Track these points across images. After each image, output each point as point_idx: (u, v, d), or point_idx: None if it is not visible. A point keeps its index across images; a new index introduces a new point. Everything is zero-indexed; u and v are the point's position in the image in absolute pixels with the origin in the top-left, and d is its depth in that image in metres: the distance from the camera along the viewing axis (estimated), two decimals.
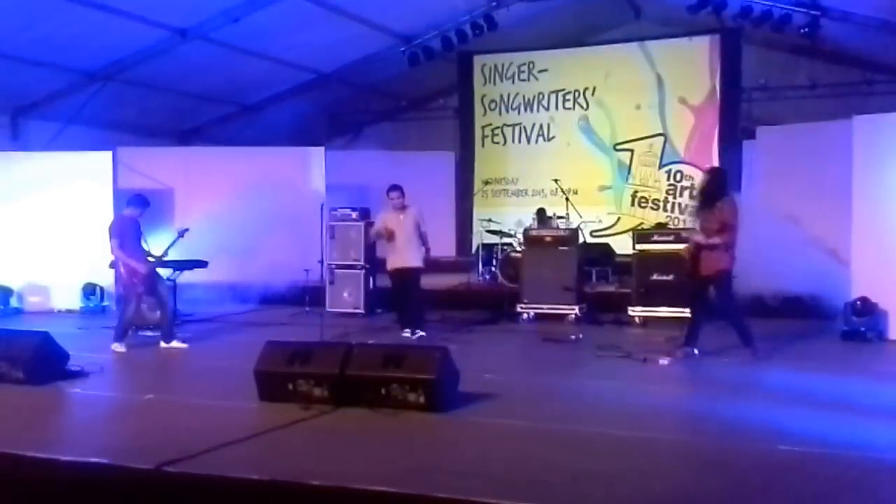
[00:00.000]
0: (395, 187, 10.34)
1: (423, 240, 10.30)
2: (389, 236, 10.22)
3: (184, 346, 9.68)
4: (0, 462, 5.11)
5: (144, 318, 10.28)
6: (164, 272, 10.29)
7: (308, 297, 12.59)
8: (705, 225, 8.41)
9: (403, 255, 10.27)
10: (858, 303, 9.92)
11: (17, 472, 5.00)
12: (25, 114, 15.20)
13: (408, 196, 10.37)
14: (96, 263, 12.69)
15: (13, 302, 13.06)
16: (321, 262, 11.86)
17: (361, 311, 12.55)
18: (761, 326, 10.73)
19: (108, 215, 13.19)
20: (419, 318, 10.35)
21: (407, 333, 10.21)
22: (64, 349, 7.70)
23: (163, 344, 9.66)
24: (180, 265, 10.96)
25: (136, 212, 9.72)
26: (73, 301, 13.18)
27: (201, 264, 11.34)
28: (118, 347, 9.36)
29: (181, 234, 10.20)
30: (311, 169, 14.43)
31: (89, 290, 13.10)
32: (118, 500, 4.71)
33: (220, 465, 4.86)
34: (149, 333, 10.24)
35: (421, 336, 10.10)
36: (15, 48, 12.99)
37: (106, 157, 13.77)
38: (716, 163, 15.55)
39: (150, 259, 9.69)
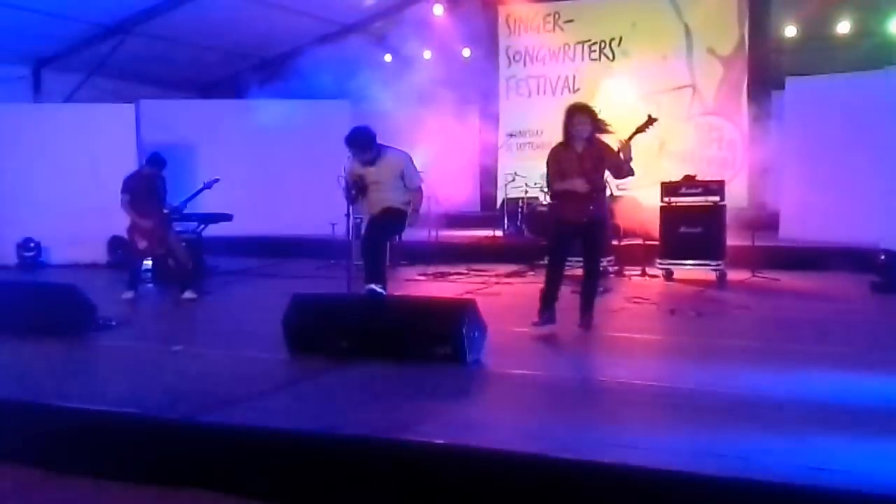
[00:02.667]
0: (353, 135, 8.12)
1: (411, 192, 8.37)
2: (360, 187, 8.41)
3: (193, 296, 9.65)
4: (31, 413, 5.14)
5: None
6: (189, 225, 10.30)
7: (334, 250, 12.56)
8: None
9: (375, 204, 8.43)
10: (886, 254, 9.78)
11: (49, 422, 5.02)
12: (47, 66, 15.19)
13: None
14: (121, 217, 12.79)
15: (40, 255, 13.12)
16: (347, 215, 11.80)
17: (387, 263, 12.50)
18: (793, 276, 10.66)
19: (131, 168, 13.28)
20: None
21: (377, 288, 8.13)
22: (91, 301, 7.72)
23: (184, 295, 9.69)
24: (205, 218, 10.97)
25: (152, 170, 9.77)
26: (99, 254, 13.21)
27: (226, 217, 11.35)
28: (126, 294, 9.65)
29: (208, 185, 10.17)
30: (334, 122, 14.30)
31: (115, 244, 13.09)
32: (150, 451, 4.73)
33: (252, 415, 4.85)
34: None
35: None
36: (36, 0, 12.93)
37: (129, 109, 13.74)
38: (745, 114, 15.39)
39: (164, 212, 9.75)
